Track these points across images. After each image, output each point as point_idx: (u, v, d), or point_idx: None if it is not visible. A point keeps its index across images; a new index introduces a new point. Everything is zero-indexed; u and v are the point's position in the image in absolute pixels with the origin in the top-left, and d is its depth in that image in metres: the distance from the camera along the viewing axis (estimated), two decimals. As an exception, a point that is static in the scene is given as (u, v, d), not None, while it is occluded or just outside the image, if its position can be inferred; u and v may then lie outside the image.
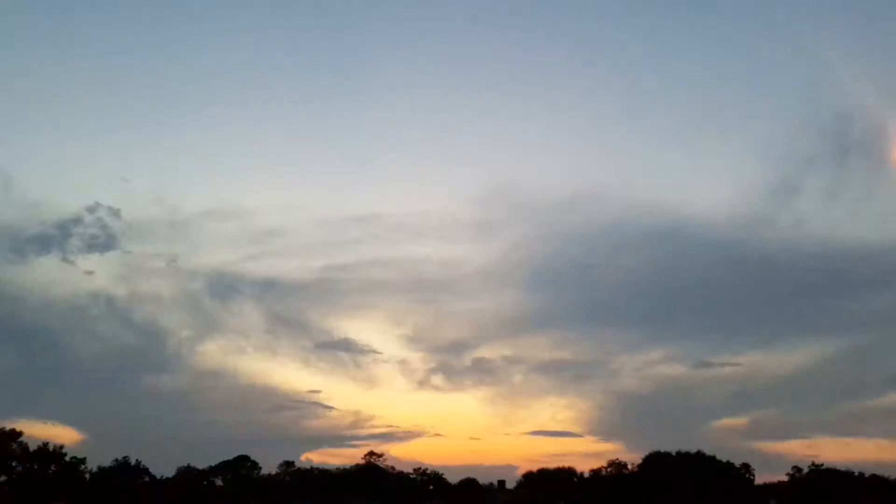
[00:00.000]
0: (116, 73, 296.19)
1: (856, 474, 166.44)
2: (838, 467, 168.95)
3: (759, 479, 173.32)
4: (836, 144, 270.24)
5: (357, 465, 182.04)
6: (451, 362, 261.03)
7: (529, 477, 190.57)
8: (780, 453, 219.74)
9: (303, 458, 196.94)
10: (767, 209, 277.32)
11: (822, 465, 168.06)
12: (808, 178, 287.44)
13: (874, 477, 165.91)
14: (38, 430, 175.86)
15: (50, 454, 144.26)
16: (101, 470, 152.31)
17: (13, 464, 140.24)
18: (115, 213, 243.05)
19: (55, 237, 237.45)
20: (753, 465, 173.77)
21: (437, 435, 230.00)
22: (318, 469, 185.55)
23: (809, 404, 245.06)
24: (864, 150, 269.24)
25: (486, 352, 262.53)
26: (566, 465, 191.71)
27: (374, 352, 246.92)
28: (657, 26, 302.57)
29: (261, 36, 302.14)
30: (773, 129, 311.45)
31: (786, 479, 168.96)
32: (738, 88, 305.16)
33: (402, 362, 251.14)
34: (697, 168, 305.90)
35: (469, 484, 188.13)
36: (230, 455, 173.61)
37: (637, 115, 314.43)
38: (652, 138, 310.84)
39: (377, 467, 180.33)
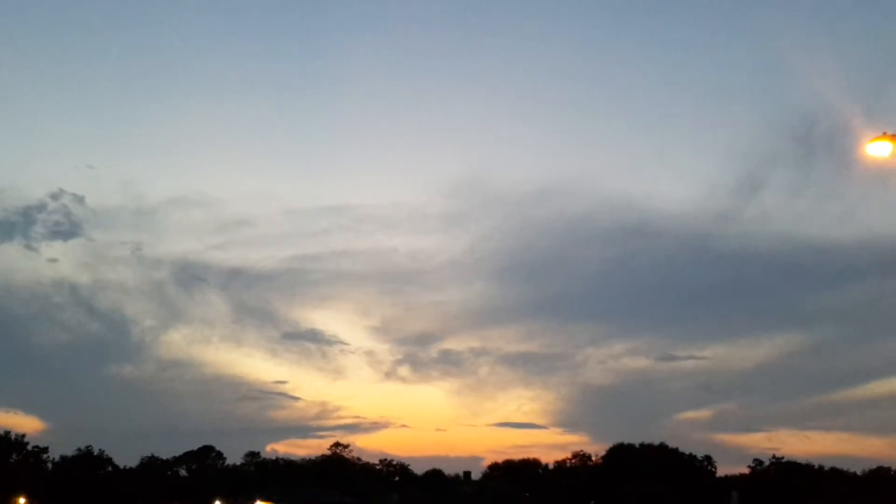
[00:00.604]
0: (81, 58, 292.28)
1: (816, 467, 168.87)
2: (799, 460, 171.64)
3: (721, 471, 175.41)
4: (801, 142, 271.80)
5: (323, 456, 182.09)
6: (418, 354, 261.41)
7: (495, 468, 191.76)
8: (741, 446, 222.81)
9: (268, 448, 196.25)
10: (733, 205, 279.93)
11: (783, 457, 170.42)
12: (773, 175, 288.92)
13: (834, 470, 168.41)
14: (0, 419, 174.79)
15: (11, 443, 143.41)
16: (64, 459, 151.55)
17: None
18: (80, 200, 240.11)
19: (18, 224, 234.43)
20: (715, 458, 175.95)
21: (403, 426, 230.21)
22: (283, 460, 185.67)
23: (771, 398, 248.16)
24: (828, 147, 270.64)
25: (453, 343, 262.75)
26: (531, 456, 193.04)
27: (341, 343, 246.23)
28: (626, 22, 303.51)
29: (229, 23, 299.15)
30: (740, 126, 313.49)
31: (747, 471, 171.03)
32: (705, 85, 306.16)
33: (369, 353, 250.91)
34: (665, 163, 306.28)
35: (435, 475, 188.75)
36: (194, 445, 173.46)
37: (606, 110, 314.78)
38: (621, 133, 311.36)
39: (343, 458, 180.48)
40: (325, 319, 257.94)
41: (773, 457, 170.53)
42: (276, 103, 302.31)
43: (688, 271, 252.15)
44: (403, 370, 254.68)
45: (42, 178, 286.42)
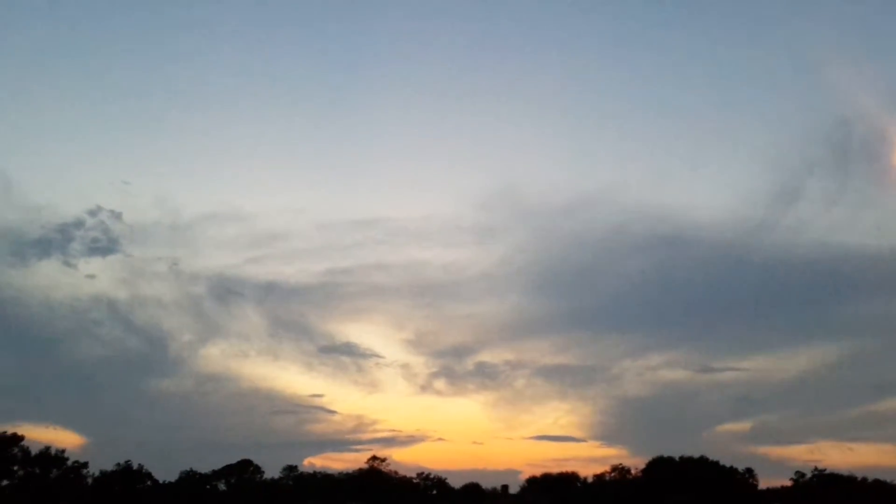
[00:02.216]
0: (117, 75, 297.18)
1: (858, 479, 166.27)
2: (841, 472, 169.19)
3: (763, 484, 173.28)
4: (837, 150, 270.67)
5: (360, 470, 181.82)
6: (454, 367, 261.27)
7: (533, 482, 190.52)
8: (783, 458, 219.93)
9: (305, 462, 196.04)
10: (769, 214, 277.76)
11: (825, 469, 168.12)
12: (809, 184, 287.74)
13: (877, 482, 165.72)
14: (40, 434, 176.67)
15: (52, 458, 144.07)
16: (104, 474, 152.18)
17: (15, 468, 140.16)
18: (117, 216, 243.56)
19: (57, 240, 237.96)
20: (756, 470, 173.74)
21: (440, 439, 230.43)
22: (320, 473, 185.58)
23: (812, 409, 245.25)
24: (864, 155, 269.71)
25: (489, 356, 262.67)
26: (569, 469, 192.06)
27: (377, 356, 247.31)
28: (659, 33, 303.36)
29: (263, 39, 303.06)
30: (775, 135, 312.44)
31: (789, 483, 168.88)
32: (740, 95, 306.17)
33: (405, 366, 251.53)
34: (699, 173, 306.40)
35: (472, 488, 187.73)
36: (233, 459, 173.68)
37: (639, 121, 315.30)
38: (654, 143, 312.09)
39: (380, 472, 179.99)
40: (359, 333, 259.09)
41: (815, 469, 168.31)
42: (309, 119, 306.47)
43: (724, 281, 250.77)
44: (439, 383, 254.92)
45: (79, 195, 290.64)
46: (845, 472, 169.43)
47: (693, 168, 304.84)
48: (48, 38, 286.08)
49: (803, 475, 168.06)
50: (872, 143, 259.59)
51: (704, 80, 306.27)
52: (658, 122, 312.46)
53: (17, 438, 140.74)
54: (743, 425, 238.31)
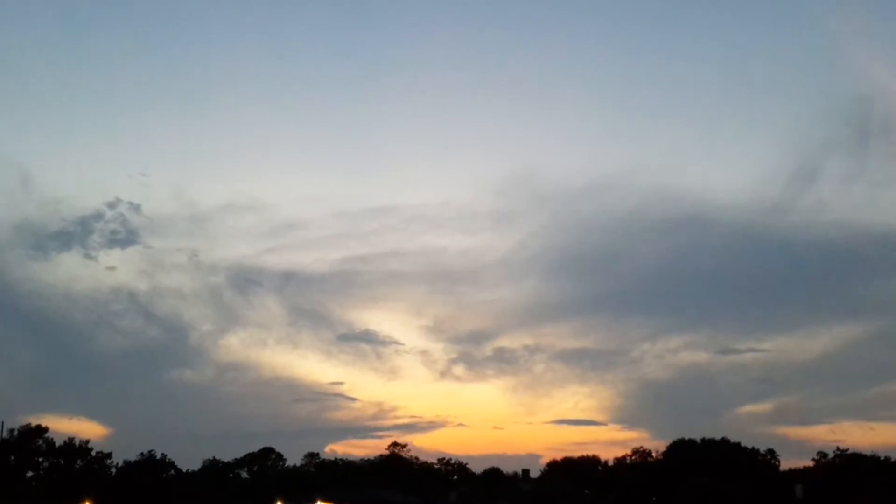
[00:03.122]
0: (133, 67, 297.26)
1: (882, 459, 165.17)
2: (864, 452, 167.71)
3: (785, 465, 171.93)
4: (856, 128, 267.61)
5: (381, 456, 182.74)
6: (472, 352, 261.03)
7: (553, 466, 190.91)
8: (805, 439, 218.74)
9: (327, 449, 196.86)
10: (788, 194, 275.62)
11: (847, 450, 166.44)
12: (828, 163, 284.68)
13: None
14: (64, 426, 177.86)
15: (76, 449, 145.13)
16: (127, 464, 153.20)
17: (39, 459, 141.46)
18: (136, 208, 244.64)
19: (76, 233, 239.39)
20: (778, 451, 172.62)
21: (460, 425, 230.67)
22: (342, 460, 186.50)
23: (834, 389, 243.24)
24: (884, 133, 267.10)
25: (507, 341, 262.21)
26: (590, 453, 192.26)
27: (396, 343, 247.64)
28: (675, 12, 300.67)
29: (278, 28, 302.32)
30: (793, 114, 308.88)
31: (811, 464, 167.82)
32: (756, 74, 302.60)
33: (424, 353, 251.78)
34: (717, 154, 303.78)
35: (493, 473, 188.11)
36: (255, 447, 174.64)
37: (656, 102, 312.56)
38: (672, 125, 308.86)
39: (401, 458, 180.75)
40: (378, 320, 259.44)
41: (838, 449, 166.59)
42: (323, 107, 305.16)
43: (744, 262, 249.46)
44: (458, 369, 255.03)
45: (98, 188, 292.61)
46: (868, 452, 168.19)
47: (711, 149, 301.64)
48: (63, 31, 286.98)
49: (825, 455, 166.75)
50: (892, 121, 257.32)
51: (721, 60, 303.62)
52: (675, 103, 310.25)
53: (41, 430, 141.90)
54: (764, 406, 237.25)
